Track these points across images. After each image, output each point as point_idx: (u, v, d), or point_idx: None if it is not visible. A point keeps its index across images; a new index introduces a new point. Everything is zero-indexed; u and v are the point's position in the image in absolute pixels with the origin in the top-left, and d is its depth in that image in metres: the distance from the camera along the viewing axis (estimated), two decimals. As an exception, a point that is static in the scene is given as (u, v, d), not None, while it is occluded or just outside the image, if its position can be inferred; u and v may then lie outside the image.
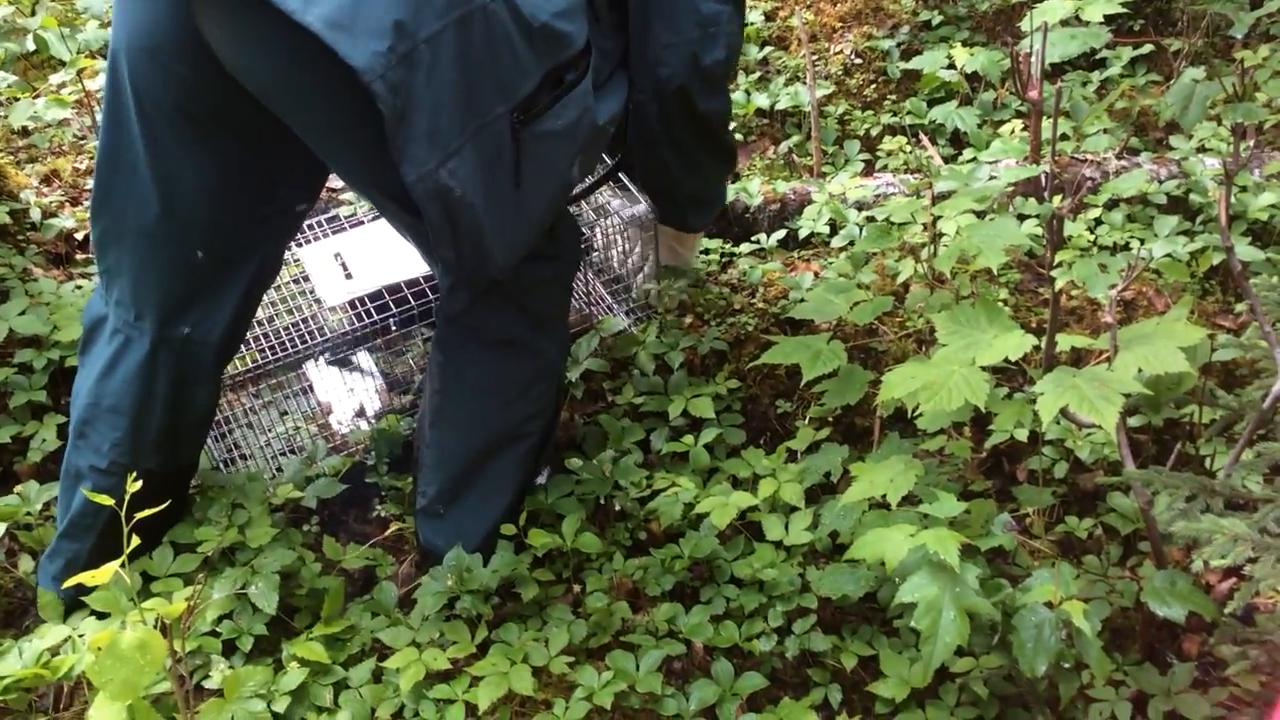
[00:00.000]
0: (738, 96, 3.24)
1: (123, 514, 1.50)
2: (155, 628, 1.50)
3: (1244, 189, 2.60)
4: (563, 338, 2.07)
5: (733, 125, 3.14)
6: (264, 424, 2.37)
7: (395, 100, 1.50)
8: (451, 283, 1.82)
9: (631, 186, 2.44)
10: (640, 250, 2.52)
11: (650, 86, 1.93)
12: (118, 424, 1.88)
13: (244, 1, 1.48)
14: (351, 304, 2.38)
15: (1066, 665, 1.65)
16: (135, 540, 1.52)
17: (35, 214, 2.67)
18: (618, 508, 2.12)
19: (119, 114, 1.71)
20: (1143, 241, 2.51)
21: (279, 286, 2.48)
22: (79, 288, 2.49)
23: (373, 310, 2.30)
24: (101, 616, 1.85)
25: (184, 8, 1.57)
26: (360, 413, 2.41)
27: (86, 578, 1.49)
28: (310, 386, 2.46)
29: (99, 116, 2.89)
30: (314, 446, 2.25)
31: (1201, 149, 2.81)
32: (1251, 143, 2.75)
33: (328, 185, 2.87)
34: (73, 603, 1.92)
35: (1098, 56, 3.20)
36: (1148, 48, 3.20)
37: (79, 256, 2.70)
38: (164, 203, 1.75)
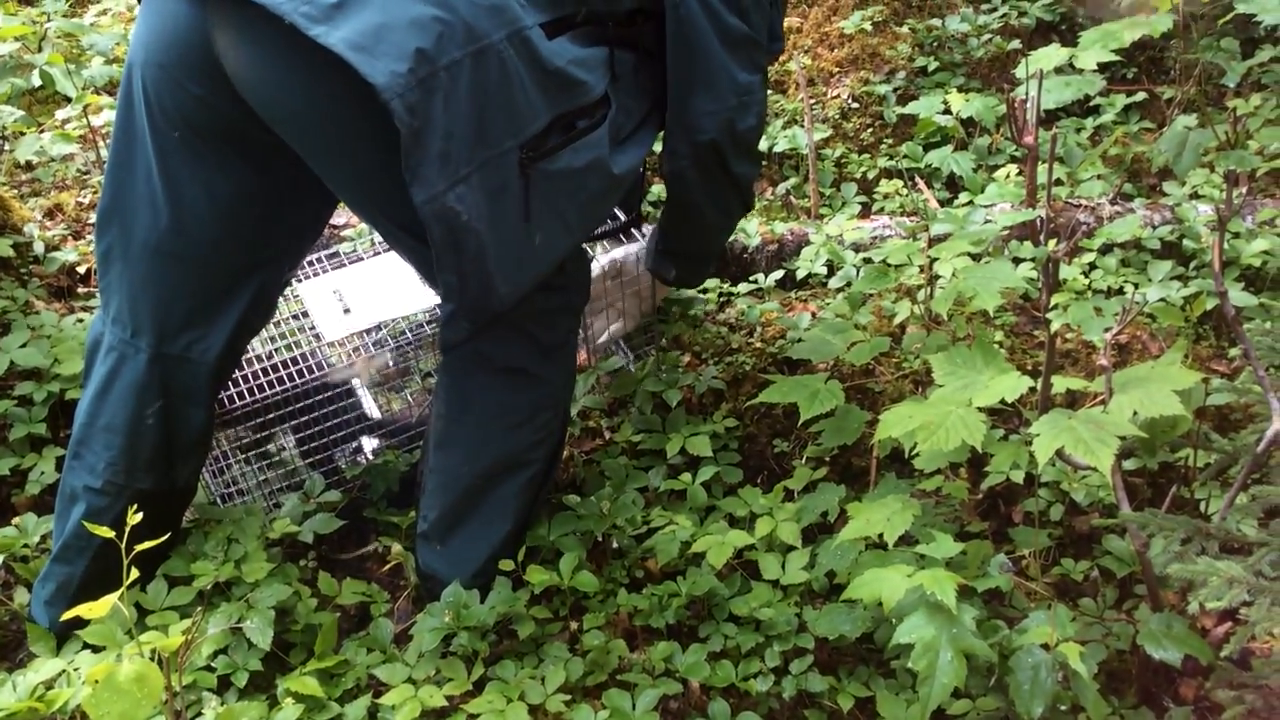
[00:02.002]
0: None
1: (122, 544, 1.50)
2: (152, 661, 1.50)
3: (1237, 235, 2.62)
4: (570, 367, 2.09)
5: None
6: (262, 459, 2.36)
7: (412, 120, 1.53)
8: (451, 310, 1.84)
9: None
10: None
11: (689, 151, 1.97)
12: (111, 442, 1.90)
13: (262, 23, 1.51)
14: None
15: (1063, 708, 1.65)
16: (134, 573, 1.52)
17: (38, 247, 2.68)
18: (615, 545, 2.12)
19: (131, 128, 1.74)
20: (1137, 286, 2.53)
21: (278, 322, 2.49)
22: (80, 321, 2.50)
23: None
24: (96, 650, 1.84)
25: (201, 27, 1.61)
26: (358, 449, 2.41)
27: (84, 610, 1.48)
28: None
29: (104, 152, 2.92)
30: (312, 481, 2.25)
31: (1194, 195, 2.84)
32: (1244, 189, 2.78)
33: (329, 222, 2.90)
34: (65, 634, 1.91)
35: (1091, 103, 3.24)
36: (1141, 95, 3.24)
37: (81, 290, 2.72)
38: (171, 218, 1.77)
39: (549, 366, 2.01)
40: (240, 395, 2.26)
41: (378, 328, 2.44)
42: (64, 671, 1.81)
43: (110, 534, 1.52)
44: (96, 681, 1.43)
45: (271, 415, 2.29)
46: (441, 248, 1.67)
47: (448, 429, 2.02)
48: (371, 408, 2.48)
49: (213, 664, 1.86)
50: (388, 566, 2.15)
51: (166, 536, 1.72)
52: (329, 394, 2.33)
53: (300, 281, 2.54)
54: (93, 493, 1.91)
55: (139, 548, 1.53)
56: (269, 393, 2.29)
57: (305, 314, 2.49)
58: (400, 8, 1.53)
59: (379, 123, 1.52)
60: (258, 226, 1.85)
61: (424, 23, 1.53)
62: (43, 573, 1.98)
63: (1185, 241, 2.65)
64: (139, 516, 1.55)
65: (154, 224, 1.78)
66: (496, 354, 1.95)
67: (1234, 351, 2.41)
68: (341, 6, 1.51)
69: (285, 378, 2.32)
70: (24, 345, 2.34)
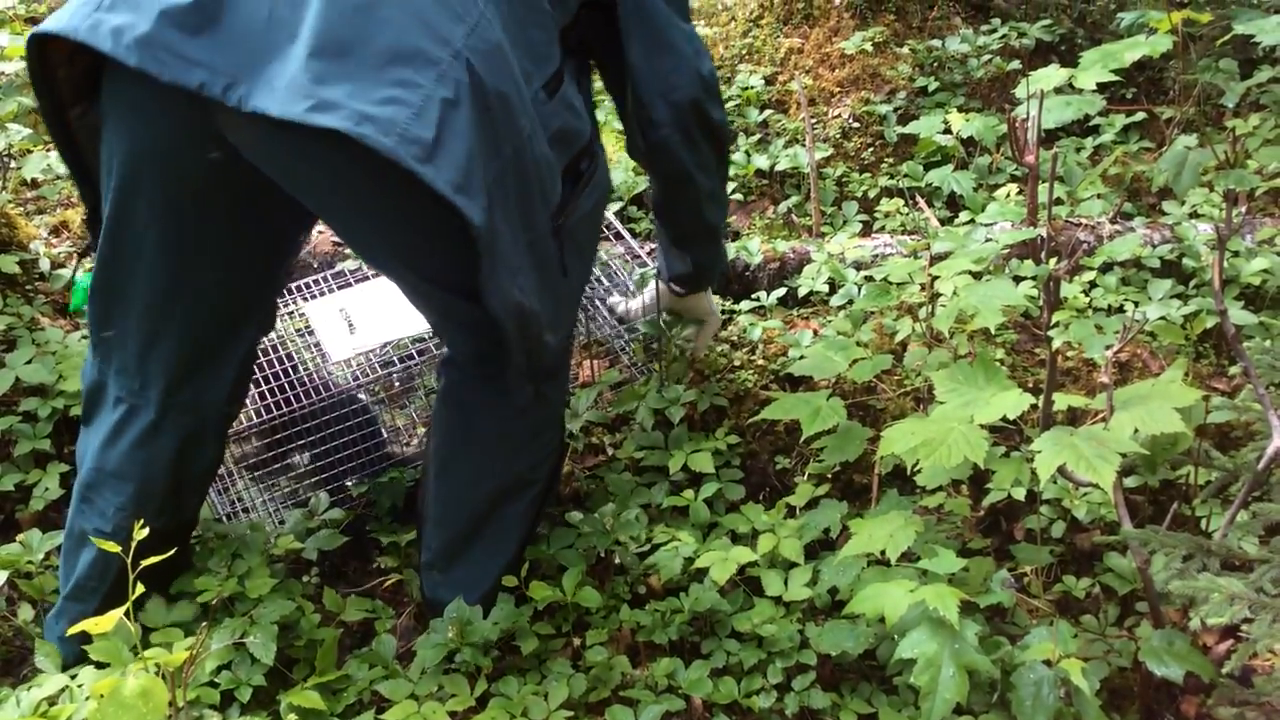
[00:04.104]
0: (738, 158, 3.29)
1: (129, 560, 1.51)
2: (158, 676, 1.51)
3: (1236, 254, 2.64)
4: (565, 385, 2.11)
5: (733, 185, 3.19)
6: (267, 477, 2.37)
7: (489, 239, 1.57)
8: (512, 377, 1.87)
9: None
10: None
11: (669, 116, 1.99)
12: (123, 489, 1.88)
13: (311, 140, 1.48)
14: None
15: (1065, 724, 1.65)
16: (140, 588, 1.53)
17: (44, 264, 2.70)
18: (618, 561, 2.12)
19: (124, 208, 1.68)
20: (1137, 304, 2.54)
21: (285, 342, 2.50)
22: (85, 337, 2.51)
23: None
24: (100, 666, 1.84)
25: (200, 126, 1.57)
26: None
27: (90, 625, 1.49)
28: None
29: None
30: (316, 499, 2.26)
31: (1194, 214, 2.86)
32: (1243, 209, 2.79)
33: (332, 239, 2.92)
34: (74, 659, 1.90)
35: (1091, 123, 3.26)
36: (1140, 115, 3.26)
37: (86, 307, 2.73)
38: (172, 280, 1.74)
39: (549, 385, 2.00)
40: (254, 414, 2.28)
41: (384, 346, 2.45)
42: (67, 687, 1.81)
43: (122, 554, 1.53)
44: (103, 695, 1.43)
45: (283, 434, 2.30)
46: (514, 337, 1.72)
47: (450, 457, 2.02)
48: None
49: (216, 680, 1.86)
50: (388, 583, 2.15)
51: (173, 552, 1.71)
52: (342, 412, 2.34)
53: (306, 301, 2.55)
54: (104, 535, 1.88)
55: (144, 563, 1.54)
56: (282, 411, 2.30)
57: (311, 332, 2.51)
58: (473, 133, 1.53)
59: (422, 203, 1.53)
60: (260, 273, 1.86)
61: (491, 148, 1.56)
62: (56, 610, 1.96)
63: (1185, 260, 2.66)
64: (145, 531, 1.56)
65: (155, 287, 1.74)
66: (499, 379, 1.94)
67: (1234, 369, 2.42)
68: (440, 141, 1.49)
69: (292, 398, 2.34)
70: (29, 361, 2.35)
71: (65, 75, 1.63)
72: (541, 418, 2.02)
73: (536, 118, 1.66)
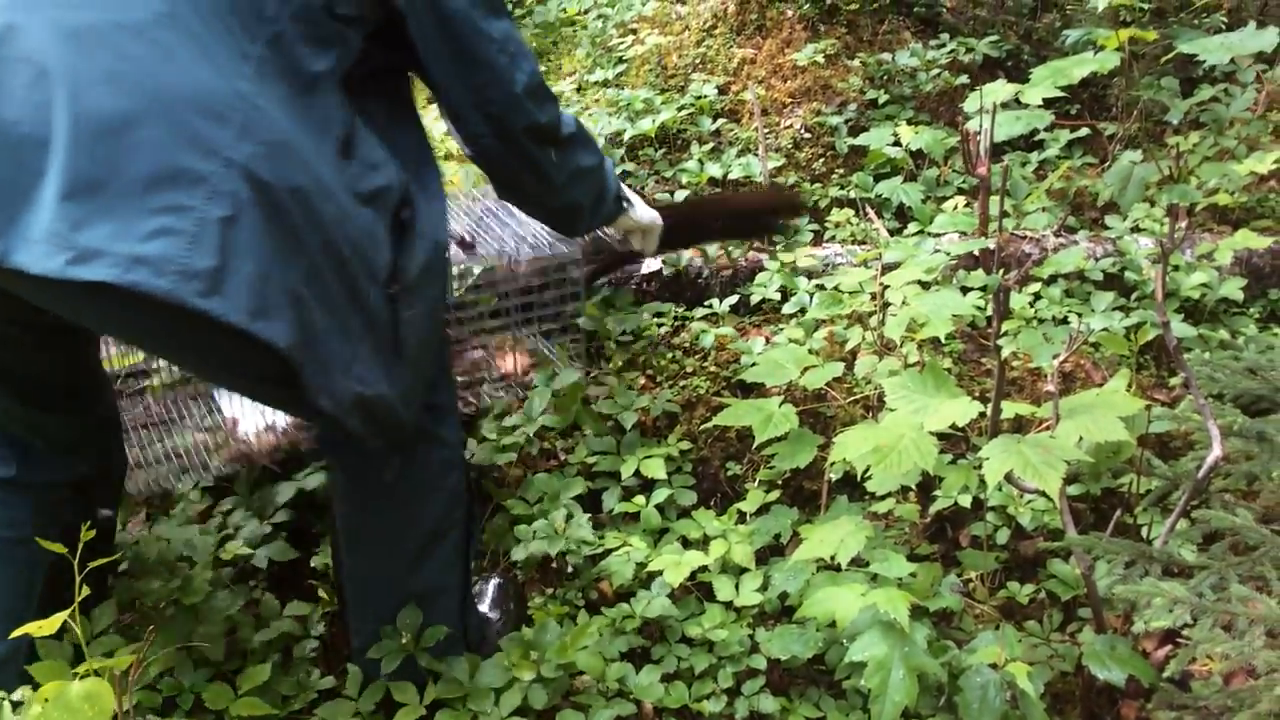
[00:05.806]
0: (691, 165, 3.30)
1: (75, 559, 1.49)
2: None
3: (1176, 268, 2.70)
4: (458, 424, 2.00)
5: (686, 193, 3.21)
6: (165, 432, 2.31)
7: (306, 350, 1.46)
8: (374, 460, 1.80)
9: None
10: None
11: (488, 128, 1.81)
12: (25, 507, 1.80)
13: (102, 292, 1.33)
14: None
15: (1011, 727, 1.68)
16: (85, 590, 1.50)
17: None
18: (570, 567, 2.12)
19: None
20: (1080, 316, 2.59)
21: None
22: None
23: None
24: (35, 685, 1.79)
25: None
26: (270, 426, 2.36)
27: (34, 628, 1.46)
28: (217, 404, 2.41)
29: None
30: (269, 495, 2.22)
31: (1136, 228, 2.92)
32: (1184, 224, 2.86)
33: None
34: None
35: (1036, 138, 3.32)
36: (1084, 131, 3.33)
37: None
38: (17, 400, 1.69)
39: (444, 426, 1.91)
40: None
41: None
42: (4, 699, 1.76)
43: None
44: (46, 699, 1.40)
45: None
46: (361, 429, 1.61)
47: (357, 532, 1.90)
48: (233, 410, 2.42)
49: (158, 685, 1.83)
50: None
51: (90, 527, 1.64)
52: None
53: None
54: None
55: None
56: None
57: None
58: (263, 245, 1.39)
59: (224, 330, 1.39)
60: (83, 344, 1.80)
61: (292, 250, 1.43)
62: None
63: (1127, 273, 2.72)
64: (91, 532, 1.54)
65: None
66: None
67: (1174, 380, 2.48)
68: (226, 268, 1.35)
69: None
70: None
71: None
72: (444, 459, 1.91)
73: (344, 188, 1.51)
